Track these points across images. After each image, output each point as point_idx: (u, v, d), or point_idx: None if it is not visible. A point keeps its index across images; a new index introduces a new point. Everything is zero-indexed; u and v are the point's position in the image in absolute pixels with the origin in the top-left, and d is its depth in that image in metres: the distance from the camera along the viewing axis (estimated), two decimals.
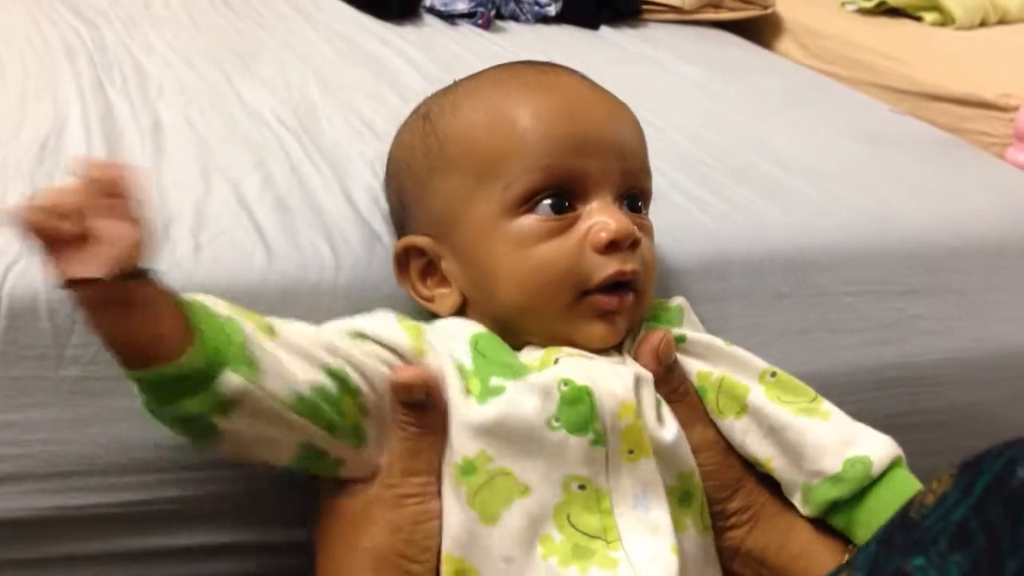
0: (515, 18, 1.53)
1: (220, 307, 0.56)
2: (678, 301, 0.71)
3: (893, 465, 0.62)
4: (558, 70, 0.70)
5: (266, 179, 0.79)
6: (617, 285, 0.63)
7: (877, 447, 0.63)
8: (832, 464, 0.62)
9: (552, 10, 1.54)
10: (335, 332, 0.61)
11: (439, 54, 1.27)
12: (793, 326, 0.82)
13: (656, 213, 0.82)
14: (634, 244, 0.63)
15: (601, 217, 0.63)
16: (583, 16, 1.57)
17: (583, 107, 0.66)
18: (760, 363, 0.66)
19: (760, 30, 1.80)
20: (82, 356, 0.64)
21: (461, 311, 0.67)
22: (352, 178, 0.82)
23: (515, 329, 0.64)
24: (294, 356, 0.56)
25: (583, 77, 0.70)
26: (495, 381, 0.60)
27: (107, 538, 0.68)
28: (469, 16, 1.47)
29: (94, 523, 0.67)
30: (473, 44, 1.36)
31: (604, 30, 1.57)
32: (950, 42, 1.74)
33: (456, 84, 0.72)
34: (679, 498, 0.62)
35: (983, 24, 1.85)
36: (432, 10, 1.47)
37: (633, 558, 0.59)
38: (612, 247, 0.62)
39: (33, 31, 1.09)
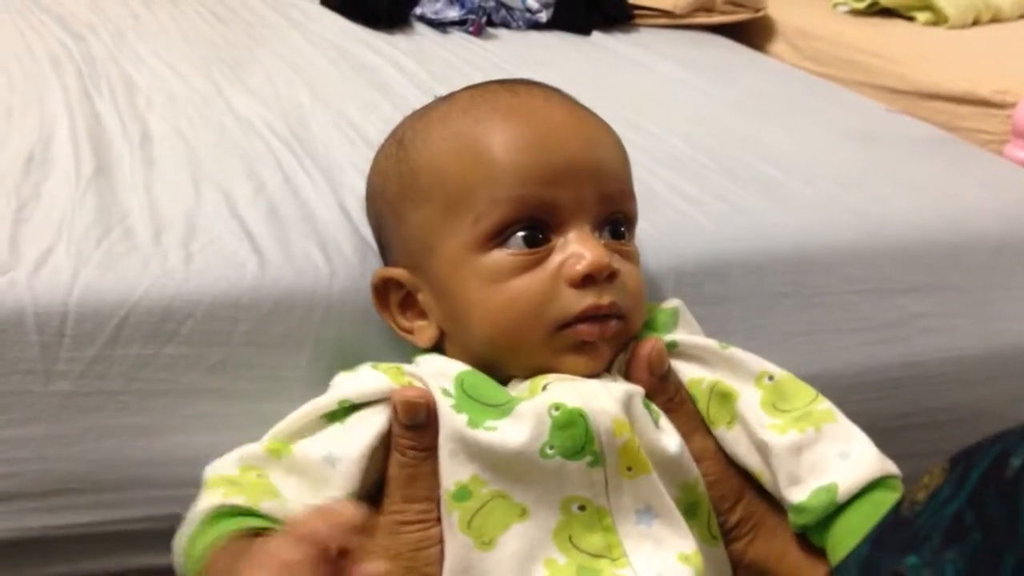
0: (506, 25, 1.52)
1: None
2: (673, 303, 0.70)
3: (872, 487, 0.59)
4: (532, 91, 0.67)
5: (258, 188, 0.78)
6: (596, 316, 0.61)
7: (851, 472, 0.59)
8: (799, 494, 0.60)
9: (543, 16, 1.54)
10: (317, 413, 0.61)
11: (431, 62, 1.26)
12: (794, 327, 0.81)
13: (654, 216, 0.81)
14: (612, 276, 0.61)
15: (576, 248, 0.61)
16: (574, 22, 1.56)
17: (555, 133, 0.63)
18: (758, 365, 0.64)
19: (752, 33, 1.79)
20: (71, 371, 0.63)
21: (440, 343, 0.65)
22: (345, 186, 0.80)
23: (495, 363, 0.63)
24: None
25: (561, 97, 0.67)
26: (490, 423, 0.58)
27: (99, 558, 0.67)
28: (460, 24, 1.46)
29: (86, 542, 0.66)
30: (464, 52, 1.35)
31: (596, 36, 1.56)
32: (943, 41, 1.74)
33: (431, 105, 0.69)
34: (684, 510, 0.61)
35: (976, 23, 1.85)
36: (423, 18, 1.46)
37: (640, 573, 0.57)
38: (587, 280, 0.60)
39: (19, 44, 1.08)
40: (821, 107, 1.27)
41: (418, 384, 0.61)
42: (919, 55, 1.59)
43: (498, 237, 0.61)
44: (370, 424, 0.60)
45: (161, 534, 0.67)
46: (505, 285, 0.61)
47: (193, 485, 0.66)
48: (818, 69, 1.62)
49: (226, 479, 0.58)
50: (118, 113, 0.90)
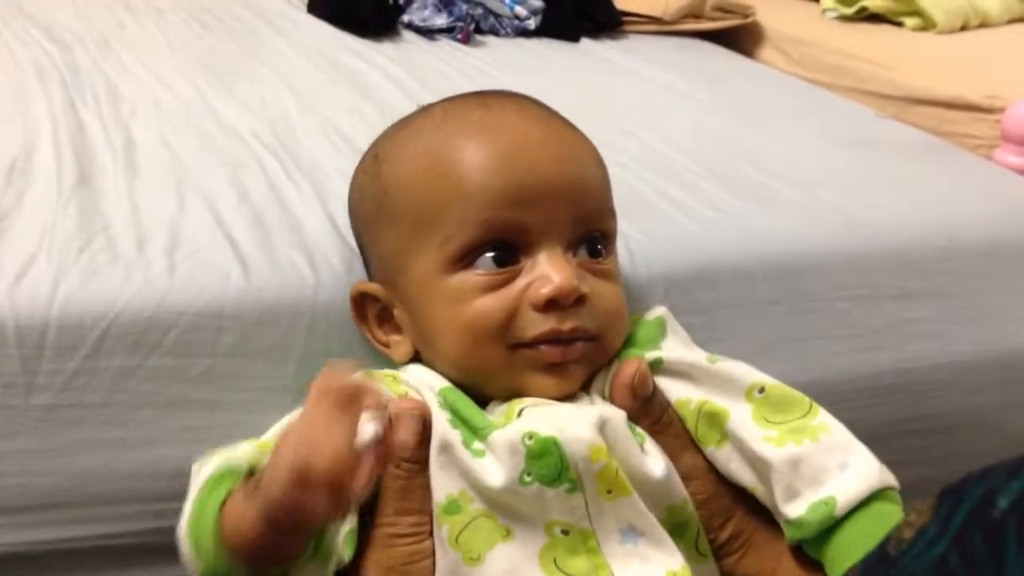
0: (495, 32, 1.52)
1: None
2: (658, 313, 0.68)
3: (870, 500, 0.58)
4: (506, 106, 0.64)
5: (243, 196, 0.77)
6: (556, 340, 0.60)
7: (849, 484, 0.59)
8: (796, 509, 0.59)
9: (532, 24, 1.53)
10: None
11: (419, 69, 1.25)
12: (786, 334, 0.81)
13: (643, 222, 0.81)
14: (580, 300, 0.59)
15: (545, 271, 0.59)
16: (563, 29, 1.55)
17: (527, 152, 0.61)
18: (748, 378, 0.62)
19: (741, 39, 1.79)
20: (52, 384, 0.62)
21: (416, 359, 0.65)
22: (331, 194, 0.79)
23: (468, 385, 0.62)
24: None
25: (536, 110, 0.65)
26: (477, 445, 0.58)
27: (83, 573, 0.66)
28: (448, 31, 1.45)
29: (70, 558, 0.65)
30: (453, 59, 1.34)
31: (585, 43, 1.56)
32: (932, 46, 1.74)
33: (408, 118, 0.68)
34: (669, 530, 0.60)
35: (964, 28, 1.85)
36: (411, 26, 1.46)
37: None
38: (551, 305, 0.59)
39: (3, 53, 1.07)
40: (811, 113, 1.26)
41: (414, 394, 0.60)
42: (908, 60, 1.59)
43: (466, 259, 0.60)
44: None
45: (147, 549, 0.66)
46: (469, 305, 0.60)
47: (179, 499, 0.65)
48: (807, 75, 1.61)
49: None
50: (102, 122, 0.89)
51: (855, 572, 0.40)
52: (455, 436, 0.57)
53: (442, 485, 0.57)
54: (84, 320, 0.62)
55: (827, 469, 0.59)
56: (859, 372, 0.82)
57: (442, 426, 0.58)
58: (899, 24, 1.86)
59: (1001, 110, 1.34)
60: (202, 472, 0.57)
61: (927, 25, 1.83)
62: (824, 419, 0.62)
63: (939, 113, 1.42)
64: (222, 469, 0.56)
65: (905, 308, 0.85)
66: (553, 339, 0.59)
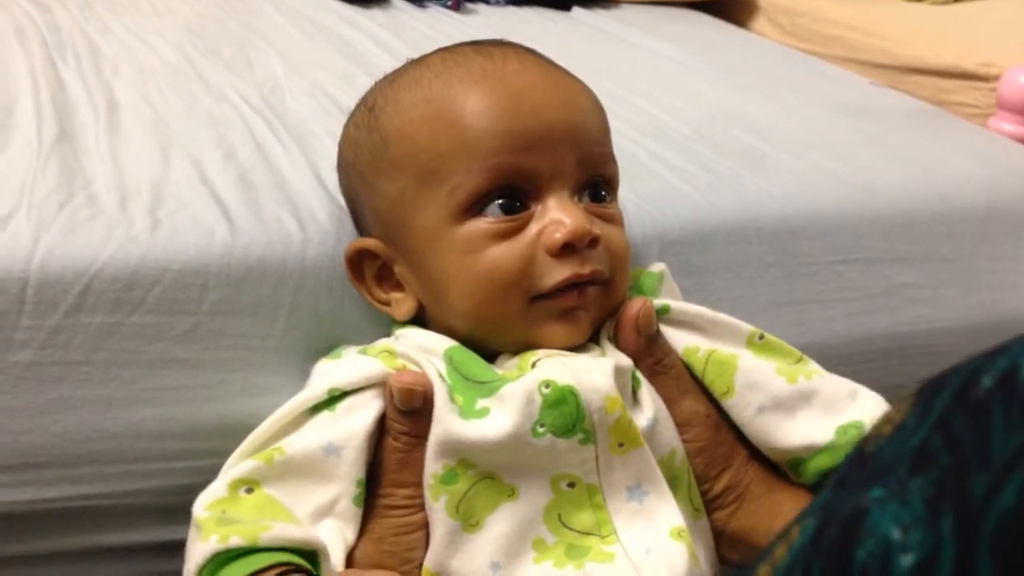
0: (485, 0, 1.50)
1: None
2: (659, 268, 0.68)
3: None
4: (506, 54, 0.63)
5: (228, 155, 0.76)
6: (574, 285, 0.59)
7: (867, 408, 0.62)
8: (823, 435, 0.61)
9: None
10: (310, 398, 0.58)
11: (408, 36, 1.24)
12: (780, 297, 0.80)
13: (638, 185, 0.79)
14: (594, 242, 0.59)
15: (556, 215, 0.58)
16: None
17: (530, 98, 0.60)
18: (746, 327, 0.64)
19: (734, 10, 1.78)
20: (32, 340, 0.60)
21: (420, 315, 0.63)
22: (319, 155, 0.78)
23: (478, 338, 0.61)
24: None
25: (536, 59, 0.64)
26: (481, 403, 0.57)
27: (67, 534, 0.65)
28: None
29: (52, 518, 0.64)
30: (443, 26, 1.32)
31: (576, 11, 1.54)
32: (926, 16, 1.73)
33: (402, 70, 0.67)
34: None
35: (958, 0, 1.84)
36: None
37: (630, 550, 0.56)
38: (567, 249, 0.58)
39: None
40: (805, 80, 1.25)
41: (413, 367, 0.59)
42: (902, 30, 1.58)
43: (474, 207, 0.59)
44: (367, 408, 0.58)
45: (130, 510, 0.65)
46: (482, 255, 0.59)
47: (162, 459, 0.64)
48: (801, 45, 1.60)
49: (217, 513, 0.55)
50: (83, 81, 0.87)
51: (832, 480, 0.39)
52: (453, 412, 0.57)
53: (438, 456, 0.56)
54: (65, 275, 0.60)
55: (841, 398, 0.62)
56: (854, 336, 0.82)
57: (441, 401, 0.57)
58: None
59: (996, 78, 1.33)
60: (200, 545, 0.53)
61: None
62: (814, 365, 0.65)
63: (934, 82, 1.41)
64: (219, 556, 0.53)
65: (900, 272, 0.85)
66: (572, 284, 0.59)
